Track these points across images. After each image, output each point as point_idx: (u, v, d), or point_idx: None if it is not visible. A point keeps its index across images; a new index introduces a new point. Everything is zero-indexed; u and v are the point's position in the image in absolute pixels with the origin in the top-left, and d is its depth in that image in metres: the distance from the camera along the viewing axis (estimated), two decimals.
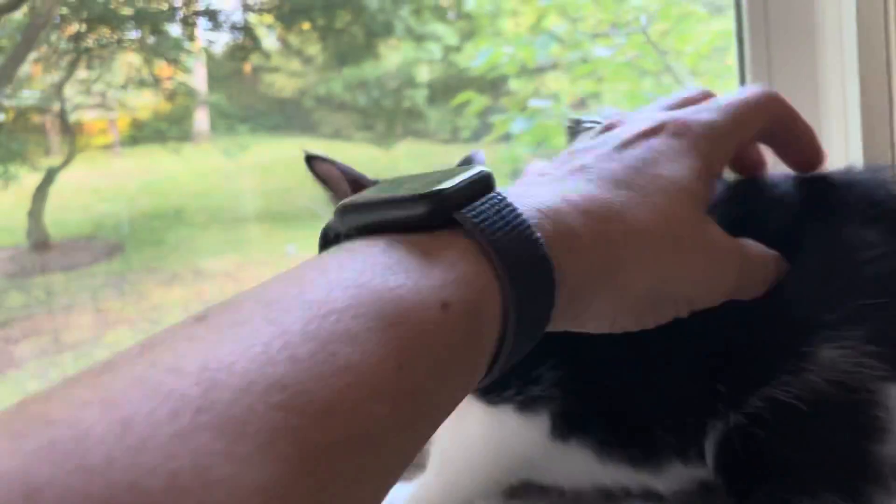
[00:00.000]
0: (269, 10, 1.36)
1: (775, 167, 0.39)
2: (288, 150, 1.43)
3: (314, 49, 1.41)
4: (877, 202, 0.37)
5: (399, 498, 0.46)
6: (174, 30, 1.25)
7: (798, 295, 0.34)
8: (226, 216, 1.37)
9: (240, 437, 0.18)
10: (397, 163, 1.42)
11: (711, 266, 0.32)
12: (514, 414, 0.42)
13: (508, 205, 0.27)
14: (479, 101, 1.29)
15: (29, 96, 1.20)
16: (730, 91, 0.37)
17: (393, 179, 0.30)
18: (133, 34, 1.24)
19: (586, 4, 1.28)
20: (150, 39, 1.25)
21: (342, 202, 0.28)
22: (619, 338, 0.32)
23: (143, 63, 1.26)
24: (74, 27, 1.17)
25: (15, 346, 1.20)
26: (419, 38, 1.39)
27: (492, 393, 0.42)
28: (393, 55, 1.41)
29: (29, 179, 1.20)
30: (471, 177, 0.27)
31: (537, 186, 0.30)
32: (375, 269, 0.24)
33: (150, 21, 1.22)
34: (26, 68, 1.15)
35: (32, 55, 1.14)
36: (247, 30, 1.31)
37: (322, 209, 0.56)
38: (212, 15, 1.26)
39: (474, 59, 1.32)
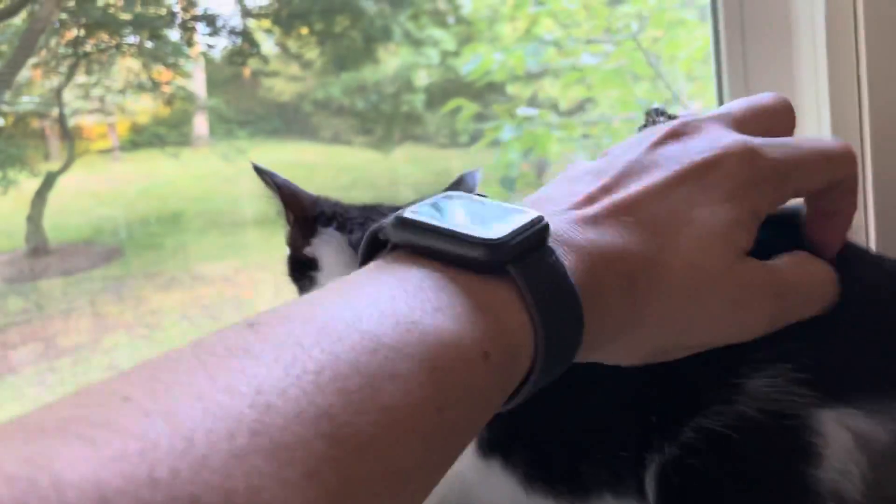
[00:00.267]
0: (267, 15, 1.36)
1: None
2: (287, 155, 1.43)
3: (313, 53, 1.41)
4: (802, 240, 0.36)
5: None
6: (173, 35, 1.26)
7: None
8: (225, 221, 1.37)
9: (289, 462, 0.19)
10: (396, 167, 1.42)
11: (737, 313, 0.32)
12: None
13: (559, 266, 0.27)
14: (469, 107, 1.30)
15: (28, 101, 1.20)
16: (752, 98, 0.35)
17: (448, 196, 0.30)
18: (132, 39, 1.24)
19: (578, 11, 1.28)
20: (149, 44, 1.25)
21: (402, 214, 0.28)
22: None
23: (142, 68, 1.26)
24: (73, 32, 1.17)
25: (13, 350, 1.20)
26: (417, 43, 1.39)
27: None
28: (391, 60, 1.41)
29: (28, 184, 1.20)
30: (529, 228, 0.28)
31: (579, 226, 0.30)
32: (426, 308, 0.24)
33: (149, 26, 1.22)
34: (25, 73, 1.15)
35: (32, 60, 1.14)
36: (245, 34, 1.31)
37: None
38: (210, 20, 1.26)
39: (467, 64, 1.33)
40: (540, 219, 0.28)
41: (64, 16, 1.15)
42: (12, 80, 1.11)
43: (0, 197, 1.19)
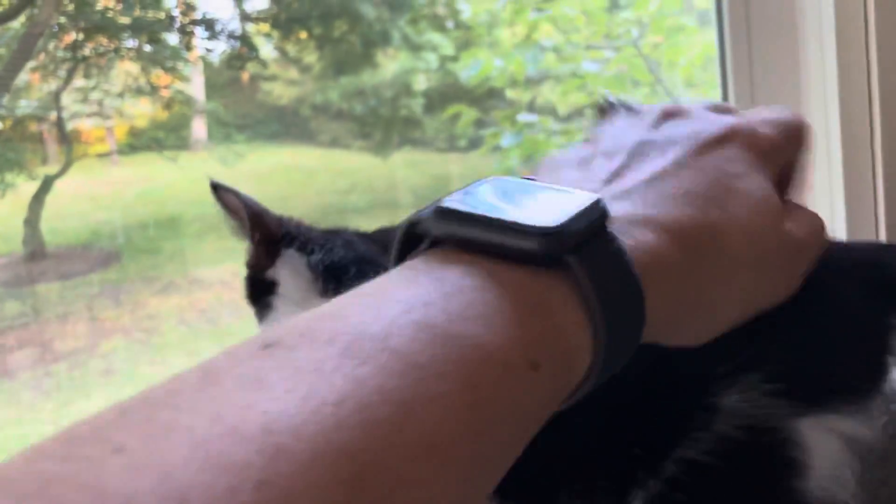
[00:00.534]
0: (266, 19, 1.36)
1: None
2: (285, 159, 1.43)
3: (311, 58, 1.41)
4: None
5: None
6: (172, 38, 1.25)
7: (688, 351, 0.32)
8: (223, 225, 1.37)
9: None
10: (395, 171, 1.42)
11: (787, 277, 0.31)
12: None
13: (622, 254, 0.25)
14: (469, 113, 1.30)
15: (26, 105, 1.20)
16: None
17: (493, 181, 0.27)
18: (130, 43, 1.24)
19: (578, 17, 1.29)
20: (148, 48, 1.25)
21: (442, 204, 0.25)
22: None
23: (140, 72, 1.26)
24: (72, 36, 1.17)
25: (9, 354, 1.20)
26: (416, 48, 1.40)
27: None
28: (390, 64, 1.41)
29: (25, 187, 1.19)
30: (587, 212, 0.24)
31: (625, 199, 0.28)
32: (467, 314, 0.22)
33: (148, 30, 1.22)
34: (24, 77, 1.15)
35: (30, 64, 1.14)
36: (244, 39, 1.31)
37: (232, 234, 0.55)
38: (209, 24, 1.26)
39: (467, 70, 1.33)
40: (598, 201, 0.25)
41: (62, 19, 1.14)
42: (11, 84, 1.11)
43: None
